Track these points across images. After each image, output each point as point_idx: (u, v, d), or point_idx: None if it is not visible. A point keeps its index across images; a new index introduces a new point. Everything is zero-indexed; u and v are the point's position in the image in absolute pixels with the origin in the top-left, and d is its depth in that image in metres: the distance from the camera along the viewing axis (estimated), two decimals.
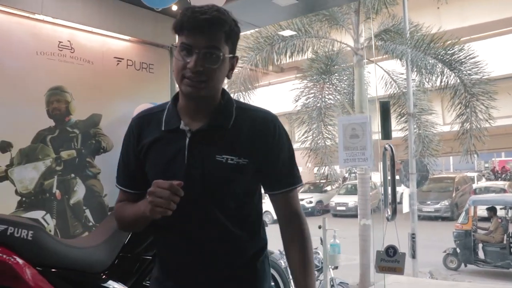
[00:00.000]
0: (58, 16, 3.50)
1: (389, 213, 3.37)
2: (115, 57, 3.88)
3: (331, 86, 10.04)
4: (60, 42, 3.53)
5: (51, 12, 3.44)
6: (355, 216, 18.00)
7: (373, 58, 10.21)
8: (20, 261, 1.78)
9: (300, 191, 23.99)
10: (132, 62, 4.00)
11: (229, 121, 1.44)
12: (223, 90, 1.51)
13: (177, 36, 1.41)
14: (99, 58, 3.76)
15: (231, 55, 1.43)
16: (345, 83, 10.32)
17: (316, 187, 23.94)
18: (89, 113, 3.68)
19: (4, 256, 1.74)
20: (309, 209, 21.57)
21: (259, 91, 11.59)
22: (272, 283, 3.33)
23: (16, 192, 3.24)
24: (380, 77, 10.67)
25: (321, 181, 23.16)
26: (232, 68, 1.47)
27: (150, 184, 1.31)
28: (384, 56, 10.62)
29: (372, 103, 10.32)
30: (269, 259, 2.95)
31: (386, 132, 3.36)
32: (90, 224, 3.62)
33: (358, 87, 9.66)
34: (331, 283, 8.56)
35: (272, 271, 3.12)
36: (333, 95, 10.03)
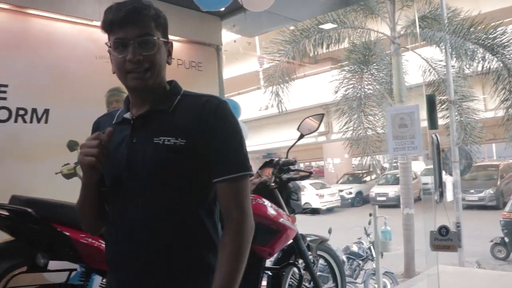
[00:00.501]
0: None
1: (437, 197, 3.46)
2: None
3: (370, 76, 10.03)
4: None
5: None
6: (396, 206, 17.86)
7: (409, 45, 10.14)
8: None
9: (339, 182, 23.99)
10: (182, 61, 4.18)
11: (170, 105, 1.42)
12: (173, 80, 1.53)
13: (108, 36, 1.41)
14: None
15: (165, 40, 1.44)
16: (384, 72, 10.27)
17: (355, 178, 23.82)
18: None
19: (97, 242, 1.94)
20: (349, 200, 21.51)
21: (296, 83, 11.67)
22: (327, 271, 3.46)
23: None
24: (418, 64, 10.58)
25: (360, 171, 23.13)
26: (169, 54, 1.48)
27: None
28: (422, 43, 10.51)
29: (411, 91, 10.26)
30: (324, 246, 3.08)
31: (433, 122, 3.45)
32: None
33: (396, 76, 9.61)
34: (375, 273, 8.60)
35: (329, 258, 3.25)
36: (372, 85, 10.01)
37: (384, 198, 20.23)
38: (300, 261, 2.89)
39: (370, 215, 3.59)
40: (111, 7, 1.38)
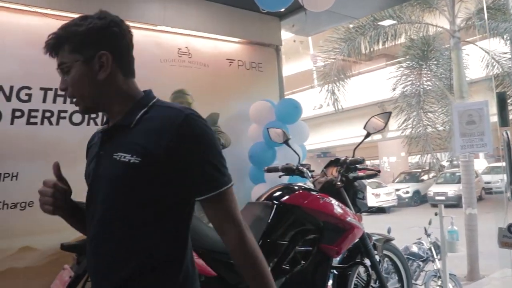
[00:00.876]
0: (176, 25, 3.82)
1: (509, 194, 3.33)
2: (227, 59, 4.15)
3: (429, 71, 9.73)
4: (179, 49, 3.85)
5: (171, 22, 3.76)
6: (455, 206, 17.27)
7: (470, 38, 9.77)
8: None
9: (396, 181, 23.48)
10: (243, 62, 4.25)
11: (132, 120, 1.33)
12: (147, 90, 1.51)
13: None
14: (213, 61, 4.05)
15: (83, 58, 1.32)
16: (443, 67, 9.94)
17: (412, 177, 23.22)
18: (208, 112, 3.96)
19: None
20: (406, 200, 21.00)
21: (350, 81, 11.53)
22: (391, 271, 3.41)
23: None
24: (480, 58, 10.18)
25: (419, 170, 22.51)
26: (101, 66, 1.33)
27: None
28: (481, 36, 10.10)
29: (472, 86, 9.88)
30: (390, 245, 3.04)
31: (504, 119, 3.32)
32: None
33: (457, 71, 9.27)
34: (438, 274, 8.35)
35: (395, 258, 3.20)
36: (432, 81, 9.72)
37: (443, 198, 19.60)
38: (366, 260, 2.87)
39: (436, 214, 3.50)
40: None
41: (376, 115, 2.74)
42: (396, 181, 23.54)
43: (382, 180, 23.64)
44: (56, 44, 1.32)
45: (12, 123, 3.07)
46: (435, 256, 8.18)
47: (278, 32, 4.53)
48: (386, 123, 2.68)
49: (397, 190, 21.24)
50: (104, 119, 1.60)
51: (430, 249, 8.40)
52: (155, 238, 1.30)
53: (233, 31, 4.17)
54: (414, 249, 8.99)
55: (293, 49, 21.77)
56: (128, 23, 3.56)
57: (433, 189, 20.38)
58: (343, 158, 2.84)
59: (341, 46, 9.96)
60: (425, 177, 22.95)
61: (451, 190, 19.13)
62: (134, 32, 3.78)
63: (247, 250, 1.30)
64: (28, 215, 3.12)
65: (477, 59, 10.29)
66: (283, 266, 2.40)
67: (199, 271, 2.05)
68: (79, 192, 2.97)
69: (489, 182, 21.88)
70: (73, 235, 2.87)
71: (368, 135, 2.77)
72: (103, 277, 1.32)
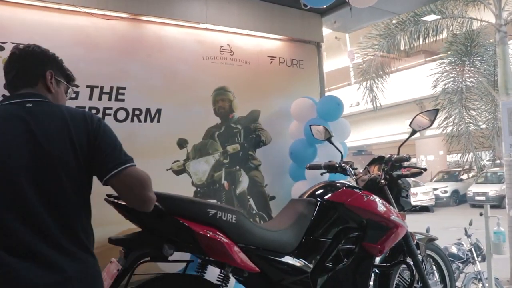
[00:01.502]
0: (218, 23, 3.84)
1: None
2: (268, 56, 4.15)
3: (472, 68, 9.45)
4: (221, 46, 3.87)
5: (213, 20, 3.79)
6: (497, 206, 16.75)
7: None
8: (227, 240, 2.07)
9: (434, 180, 22.95)
10: (284, 60, 4.24)
11: None
12: None
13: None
14: (254, 58, 4.05)
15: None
16: (487, 63, 9.63)
17: (451, 176, 22.67)
18: (249, 109, 3.98)
19: (217, 235, 2.03)
20: (444, 199, 20.53)
21: (389, 77, 11.33)
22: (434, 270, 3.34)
23: (192, 183, 3.66)
24: None
25: (458, 169, 21.95)
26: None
27: None
28: None
29: None
30: (433, 245, 2.98)
31: None
32: (254, 212, 3.93)
33: (502, 67, 8.95)
34: (478, 277, 8.12)
35: (437, 258, 3.14)
36: (475, 78, 9.43)
37: (483, 198, 19.06)
38: (409, 259, 2.82)
39: (481, 214, 3.40)
40: None
41: (422, 112, 2.69)
42: (434, 180, 23.03)
43: (420, 179, 23.18)
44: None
45: None
46: (475, 258, 7.96)
47: (320, 29, 4.48)
48: (433, 121, 2.62)
49: (435, 189, 20.79)
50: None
51: (470, 250, 8.19)
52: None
53: (274, 28, 4.16)
54: (454, 250, 8.77)
55: (333, 46, 21.58)
56: (171, 21, 3.62)
57: (473, 189, 19.84)
58: (388, 155, 2.80)
59: (380, 42, 9.80)
60: (464, 176, 22.37)
61: (492, 190, 18.61)
62: (177, 29, 3.85)
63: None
64: None
65: None
66: (326, 264, 2.40)
67: (243, 267, 2.08)
68: None
69: None
70: (118, 229, 2.95)
71: (413, 132, 2.72)
72: None
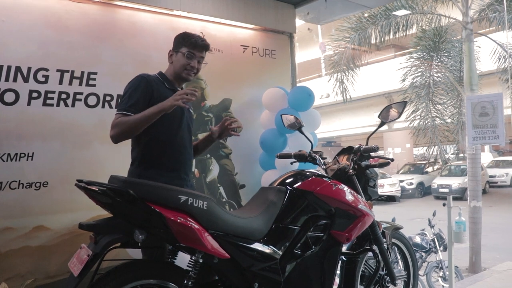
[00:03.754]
0: (192, 11, 3.83)
1: None
2: (241, 45, 4.17)
3: (439, 63, 9.69)
4: None
5: (187, 7, 3.77)
6: (459, 198, 17.26)
7: (482, 30, 9.67)
8: (198, 226, 2.09)
9: (400, 172, 23.52)
10: (257, 49, 4.27)
11: None
12: None
13: (181, 45, 2.68)
14: (227, 47, 4.06)
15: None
16: (454, 59, 9.90)
17: (417, 168, 23.23)
18: (220, 97, 4.00)
19: (188, 221, 2.05)
20: (410, 191, 21.04)
21: (358, 71, 11.50)
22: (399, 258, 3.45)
23: None
24: (491, 50, 10.12)
25: (423, 162, 22.52)
26: None
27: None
28: (496, 28, 10.02)
29: (482, 79, 9.81)
30: (398, 233, 3.08)
31: None
32: (224, 200, 3.96)
33: (468, 63, 9.23)
34: (440, 265, 8.40)
35: (402, 246, 3.25)
36: (442, 73, 9.68)
37: (446, 190, 19.63)
38: (375, 247, 2.91)
39: (444, 205, 3.54)
40: (193, 35, 2.70)
41: (391, 104, 2.76)
42: (400, 172, 23.57)
43: (386, 171, 23.66)
44: (206, 48, 2.69)
45: (29, 103, 3.10)
46: (438, 248, 8.24)
47: (293, 20, 4.52)
48: (401, 113, 2.69)
49: (401, 181, 21.28)
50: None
51: (433, 240, 8.47)
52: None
53: (248, 18, 4.17)
54: (417, 240, 9.05)
55: (306, 38, 21.67)
56: (145, 7, 3.58)
57: (437, 181, 20.41)
58: (357, 146, 2.87)
59: (351, 35, 9.93)
60: (429, 169, 22.97)
61: (456, 182, 19.21)
62: (150, 16, 3.82)
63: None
64: (43, 195, 3.16)
65: (488, 52, 10.23)
66: (295, 251, 2.45)
67: (213, 253, 2.11)
68: (96, 171, 3.02)
69: (494, 176, 21.94)
70: (87, 215, 2.93)
71: (382, 124, 2.79)
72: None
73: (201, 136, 3.83)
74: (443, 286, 8.04)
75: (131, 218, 2.08)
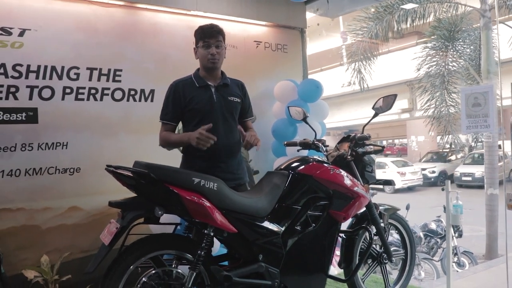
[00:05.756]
0: (208, 10, 4.14)
1: None
2: (254, 41, 4.47)
3: (455, 52, 9.77)
4: None
5: (203, 7, 4.09)
6: (482, 187, 17.18)
7: (501, 17, 9.65)
8: (210, 204, 2.42)
9: (422, 160, 23.44)
10: (269, 44, 4.56)
11: (228, 81, 3.00)
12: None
13: (198, 40, 2.93)
14: (241, 43, 4.37)
15: (224, 45, 2.94)
16: (471, 47, 9.94)
17: (439, 157, 23.13)
18: None
19: (201, 200, 2.39)
20: (432, 179, 21.01)
21: (379, 59, 11.61)
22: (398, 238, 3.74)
23: None
24: (511, 38, 10.11)
25: (445, 150, 22.43)
26: (225, 52, 2.96)
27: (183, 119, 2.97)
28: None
29: (502, 67, 9.80)
30: (396, 215, 3.36)
31: None
32: None
33: (485, 51, 9.27)
34: (454, 251, 8.59)
35: (400, 226, 3.53)
36: (457, 62, 9.75)
37: (469, 178, 19.52)
38: (372, 227, 3.21)
39: (443, 189, 3.79)
40: (203, 26, 2.93)
41: (383, 97, 3.03)
42: (422, 160, 23.49)
43: (409, 159, 23.64)
44: (218, 31, 2.89)
45: (63, 98, 3.49)
46: (453, 234, 8.43)
47: (303, 16, 4.79)
48: (391, 105, 2.97)
49: (423, 169, 21.24)
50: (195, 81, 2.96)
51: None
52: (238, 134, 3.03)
53: (260, 15, 4.46)
54: (433, 226, 9.24)
55: (328, 26, 21.67)
56: (164, 8, 3.93)
57: (460, 170, 20.28)
58: (353, 134, 3.16)
59: (369, 25, 10.08)
60: (452, 157, 22.83)
61: (478, 171, 18.95)
62: (169, 16, 4.18)
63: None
64: (76, 179, 3.56)
65: (507, 39, 10.22)
66: (296, 227, 2.77)
67: (222, 227, 2.45)
68: (122, 158, 3.37)
69: None
70: (114, 197, 3.30)
71: (375, 115, 3.07)
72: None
73: None
74: (457, 271, 8.24)
75: (152, 197, 2.43)
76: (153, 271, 2.46)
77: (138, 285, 2.43)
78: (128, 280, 2.41)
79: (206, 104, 2.89)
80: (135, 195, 2.51)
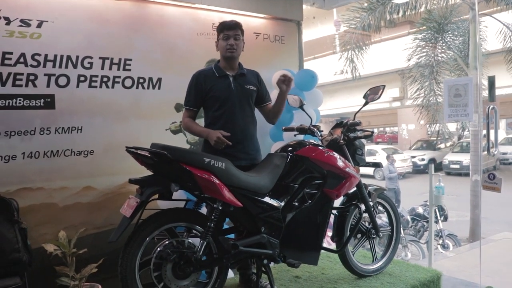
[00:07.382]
0: (211, 4, 4.40)
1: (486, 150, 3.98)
2: (254, 32, 4.74)
3: (444, 44, 10.08)
4: (213, 23, 4.44)
5: (207, 1, 4.35)
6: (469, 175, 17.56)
7: (488, 10, 9.93)
8: (219, 181, 2.73)
9: (412, 148, 23.90)
10: (268, 36, 4.84)
11: (245, 71, 3.39)
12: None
13: (219, 33, 3.33)
14: None
15: (243, 38, 3.33)
16: (460, 39, 10.26)
17: (429, 145, 23.58)
18: None
19: (211, 177, 2.70)
20: (421, 167, 21.48)
21: (372, 48, 11.86)
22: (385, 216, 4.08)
23: (187, 141, 4.31)
24: (498, 31, 10.44)
25: (432, 138, 22.86)
26: (243, 44, 3.37)
27: (204, 105, 3.40)
28: (504, 7, 10.30)
29: (488, 58, 10.13)
30: (383, 194, 3.70)
31: (491, 96, 3.93)
32: None
33: (473, 43, 9.59)
34: (440, 234, 9.00)
35: (387, 205, 3.87)
36: (446, 53, 10.07)
37: (457, 166, 20.02)
38: (362, 205, 3.54)
39: (426, 172, 4.13)
40: (224, 21, 3.33)
41: (372, 87, 3.35)
42: (412, 148, 23.94)
43: (400, 147, 24.07)
44: (238, 25, 3.30)
45: (77, 86, 3.73)
46: (438, 218, 8.83)
47: (300, 9, 5.05)
48: (379, 96, 3.29)
49: (413, 157, 21.69)
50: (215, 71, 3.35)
51: (435, 210, 9.06)
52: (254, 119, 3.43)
53: (259, 8, 4.71)
54: (420, 210, 9.65)
55: (324, 13, 21.77)
56: (170, 1, 4.20)
57: (449, 158, 20.76)
58: (345, 121, 3.48)
59: (362, 15, 10.34)
60: (442, 145, 23.28)
61: (466, 159, 19.40)
62: (175, 9, 4.47)
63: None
64: (90, 161, 3.83)
65: (494, 31, 10.54)
66: (293, 203, 3.09)
67: (229, 202, 2.76)
68: (132, 142, 3.64)
69: (505, 153, 22.20)
70: (125, 178, 3.57)
71: (366, 103, 3.39)
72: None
73: None
74: (442, 252, 8.67)
75: (168, 174, 2.73)
76: (167, 241, 2.78)
77: (154, 254, 2.75)
78: (144, 252, 2.72)
79: (224, 92, 3.26)
80: (144, 175, 2.81)
